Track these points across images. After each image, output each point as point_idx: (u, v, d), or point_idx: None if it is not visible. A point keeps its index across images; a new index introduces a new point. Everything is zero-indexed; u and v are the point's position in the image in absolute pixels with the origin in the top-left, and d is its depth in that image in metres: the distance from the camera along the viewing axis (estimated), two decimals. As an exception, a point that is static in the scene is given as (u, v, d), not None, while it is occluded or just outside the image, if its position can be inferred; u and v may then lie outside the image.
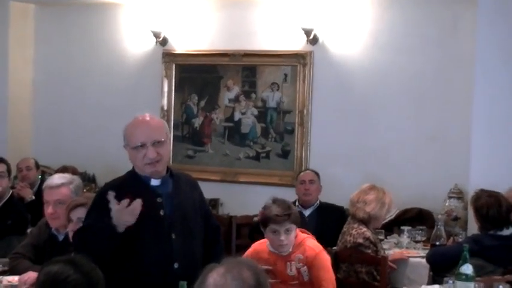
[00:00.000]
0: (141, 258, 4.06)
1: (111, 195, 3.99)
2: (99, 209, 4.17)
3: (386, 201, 6.14)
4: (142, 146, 4.14)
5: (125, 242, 4.03)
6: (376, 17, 8.14)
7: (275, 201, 5.12)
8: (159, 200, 4.18)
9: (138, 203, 3.97)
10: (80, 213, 4.65)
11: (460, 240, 6.20)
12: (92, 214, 4.23)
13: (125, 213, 3.96)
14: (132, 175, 4.26)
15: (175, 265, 4.11)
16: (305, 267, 4.99)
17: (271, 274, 4.97)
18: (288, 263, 5.02)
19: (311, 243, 5.12)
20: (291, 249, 5.03)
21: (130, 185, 4.20)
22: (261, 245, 5.15)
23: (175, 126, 8.94)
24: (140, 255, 4.06)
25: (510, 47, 7.10)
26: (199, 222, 4.33)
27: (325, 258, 5.10)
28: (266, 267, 4.95)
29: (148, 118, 4.29)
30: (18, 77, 9.49)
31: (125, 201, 3.97)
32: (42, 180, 7.45)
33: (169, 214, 4.17)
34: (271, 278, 4.94)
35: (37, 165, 8.25)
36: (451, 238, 6.46)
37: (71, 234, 4.69)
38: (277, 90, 8.53)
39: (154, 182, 4.21)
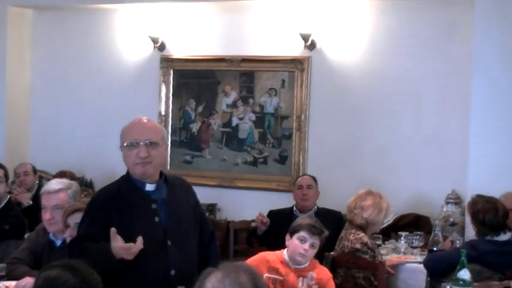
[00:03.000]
0: (138, 265, 4.02)
1: (113, 231, 3.93)
2: (92, 217, 4.16)
3: (383, 207, 6.15)
4: (135, 144, 4.12)
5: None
6: (373, 22, 8.16)
7: (312, 217, 5.43)
8: (153, 206, 4.15)
9: (139, 242, 3.93)
10: (77, 219, 4.64)
11: (458, 245, 6.20)
12: (85, 222, 4.21)
13: (125, 253, 3.92)
14: (126, 180, 4.22)
15: (172, 272, 4.08)
16: (316, 286, 5.06)
17: (279, 285, 5.02)
18: (301, 277, 5.08)
19: (323, 267, 5.30)
20: (306, 265, 5.11)
21: (124, 190, 4.18)
22: (272, 255, 5.18)
23: (173, 132, 8.94)
24: (137, 263, 4.01)
25: (507, 49, 7.13)
26: (195, 227, 4.30)
27: (334, 285, 5.23)
28: (277, 277, 5.01)
29: (145, 120, 4.30)
30: (15, 82, 9.49)
31: (128, 245, 3.91)
32: (40, 185, 7.45)
33: (165, 220, 4.14)
34: None
35: (34, 170, 8.25)
36: (448, 239, 6.45)
37: (68, 240, 4.69)
38: (275, 95, 8.54)
39: (149, 187, 4.18)
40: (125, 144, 4.15)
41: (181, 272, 4.08)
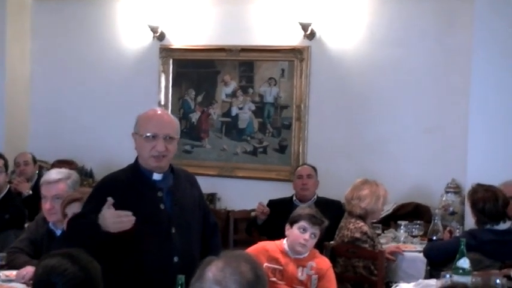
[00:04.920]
0: (141, 252, 4.07)
1: (110, 201, 3.98)
2: (95, 201, 4.19)
3: (380, 194, 6.15)
4: (154, 137, 4.16)
5: (125, 236, 4.04)
6: (373, 11, 8.15)
7: (312, 207, 5.56)
8: (159, 194, 4.20)
9: (131, 219, 3.97)
10: (75, 208, 4.66)
11: (457, 234, 6.21)
12: (88, 205, 4.25)
13: (112, 221, 3.96)
14: (134, 168, 4.26)
15: (175, 259, 4.13)
16: (316, 275, 5.09)
17: (279, 275, 5.03)
18: (301, 267, 5.10)
19: (323, 257, 5.31)
20: (306, 255, 5.12)
21: (131, 178, 4.22)
22: (272, 244, 5.20)
23: (173, 121, 8.92)
24: (140, 249, 4.07)
25: (507, 40, 7.12)
26: (198, 218, 4.35)
27: (334, 274, 5.24)
28: (277, 267, 5.03)
29: (163, 113, 4.39)
30: (15, 71, 9.48)
31: (122, 213, 3.97)
32: (40, 175, 7.44)
33: (169, 208, 4.20)
34: (277, 279, 5.01)
35: (34, 160, 8.24)
36: (448, 228, 6.46)
37: (67, 230, 4.71)
38: (275, 85, 8.54)
39: (156, 177, 4.22)
40: (144, 136, 4.17)
41: (184, 259, 4.12)
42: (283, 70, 8.51)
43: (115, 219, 3.95)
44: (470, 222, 6.24)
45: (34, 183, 7.77)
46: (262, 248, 5.16)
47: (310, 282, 5.08)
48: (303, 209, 5.33)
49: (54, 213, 4.98)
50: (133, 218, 3.97)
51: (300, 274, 5.08)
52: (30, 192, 7.53)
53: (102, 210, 3.98)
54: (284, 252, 5.12)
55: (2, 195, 6.67)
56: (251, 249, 5.14)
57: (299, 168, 7.46)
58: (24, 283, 4.58)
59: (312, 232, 5.07)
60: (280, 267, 5.08)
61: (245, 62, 8.67)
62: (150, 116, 4.25)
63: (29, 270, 4.57)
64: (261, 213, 6.96)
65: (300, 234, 5.07)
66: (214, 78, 8.82)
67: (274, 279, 5.04)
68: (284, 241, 5.17)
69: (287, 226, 5.17)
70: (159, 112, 4.36)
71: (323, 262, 5.19)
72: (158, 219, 4.14)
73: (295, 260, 5.11)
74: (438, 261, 5.68)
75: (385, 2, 8.10)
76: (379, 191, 6.17)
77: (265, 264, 5.01)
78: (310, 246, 5.12)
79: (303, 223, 5.08)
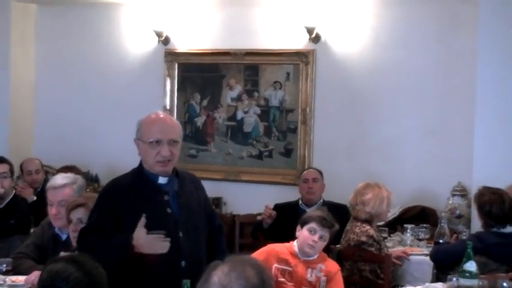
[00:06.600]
0: (149, 256, 4.02)
1: (142, 220, 3.98)
2: (102, 208, 4.18)
3: (384, 196, 6.15)
4: (158, 142, 4.14)
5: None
6: (377, 14, 8.14)
7: (324, 210, 5.53)
8: (165, 198, 4.19)
9: (166, 244, 3.99)
10: (80, 214, 4.66)
11: (464, 238, 6.19)
12: (95, 213, 4.23)
13: (147, 245, 3.97)
14: (138, 172, 4.24)
15: (183, 263, 4.11)
16: (325, 277, 5.12)
17: (288, 276, 5.05)
18: (310, 269, 5.14)
19: (332, 260, 5.36)
20: (315, 257, 5.15)
21: (136, 182, 4.20)
22: (281, 246, 5.23)
23: (178, 126, 8.91)
24: (147, 254, 4.02)
25: (510, 42, 7.10)
26: (204, 221, 4.34)
27: (342, 278, 5.28)
28: (286, 268, 5.05)
29: (165, 116, 4.34)
30: (19, 77, 9.47)
31: (158, 236, 3.98)
32: (46, 181, 7.44)
33: (176, 212, 4.18)
34: (286, 280, 5.02)
35: (42, 166, 8.24)
36: (454, 235, 6.44)
37: (71, 235, 4.71)
38: (280, 88, 8.53)
39: (162, 180, 4.20)
40: (148, 142, 4.15)
41: (191, 263, 4.10)
42: (288, 73, 8.50)
43: (150, 241, 3.96)
44: (476, 225, 6.22)
45: (40, 188, 7.75)
46: (272, 250, 5.20)
47: (319, 284, 5.10)
48: (314, 211, 5.40)
49: (60, 219, 4.98)
50: (167, 243, 3.99)
51: (309, 275, 5.11)
52: (34, 198, 7.52)
53: (135, 231, 3.97)
54: (294, 254, 5.15)
55: (8, 200, 6.66)
56: (260, 251, 5.18)
57: (305, 172, 7.45)
58: (31, 288, 4.58)
59: (321, 234, 5.10)
60: (290, 269, 5.11)
61: (250, 65, 8.67)
62: (152, 121, 4.22)
63: (37, 274, 4.54)
64: (268, 217, 6.96)
65: (309, 236, 5.10)
66: (219, 82, 8.82)
67: (283, 279, 5.06)
68: (294, 243, 5.21)
69: (298, 227, 5.21)
70: (161, 116, 4.31)
71: (332, 265, 5.22)
72: (165, 224, 4.11)
73: (305, 262, 5.13)
74: (445, 264, 5.67)
75: (389, 5, 8.10)
76: (382, 193, 6.16)
77: (275, 265, 5.06)
78: (319, 248, 5.14)
79: (312, 225, 5.11)
